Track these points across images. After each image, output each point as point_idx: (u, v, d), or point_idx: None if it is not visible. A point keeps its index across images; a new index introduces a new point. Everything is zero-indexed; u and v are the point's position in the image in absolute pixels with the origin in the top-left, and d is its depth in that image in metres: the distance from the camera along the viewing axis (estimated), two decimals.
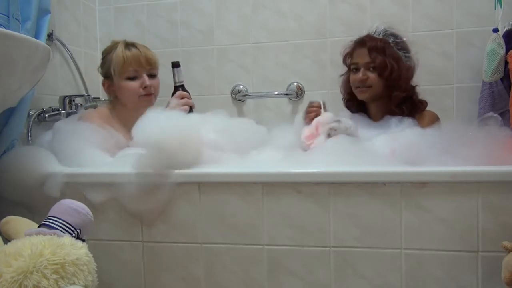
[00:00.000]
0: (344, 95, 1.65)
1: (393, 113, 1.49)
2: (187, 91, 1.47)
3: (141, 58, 1.45)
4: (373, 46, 1.49)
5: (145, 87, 1.45)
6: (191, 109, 1.44)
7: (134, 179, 1.12)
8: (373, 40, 1.51)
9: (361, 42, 1.53)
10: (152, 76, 1.49)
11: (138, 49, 1.46)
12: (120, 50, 1.44)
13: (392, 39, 1.51)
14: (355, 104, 1.62)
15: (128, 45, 1.47)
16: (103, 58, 1.51)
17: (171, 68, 1.46)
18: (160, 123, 1.17)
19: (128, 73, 1.44)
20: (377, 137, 1.34)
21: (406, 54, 1.52)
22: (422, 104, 1.55)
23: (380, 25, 1.55)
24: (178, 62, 1.46)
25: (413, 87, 1.54)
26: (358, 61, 1.52)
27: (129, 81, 1.44)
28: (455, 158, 1.10)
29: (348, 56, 1.58)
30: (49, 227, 0.84)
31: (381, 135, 1.35)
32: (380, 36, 1.52)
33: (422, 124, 1.45)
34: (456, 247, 1.02)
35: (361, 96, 1.54)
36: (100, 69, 1.52)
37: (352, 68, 1.55)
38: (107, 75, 1.48)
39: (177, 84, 1.46)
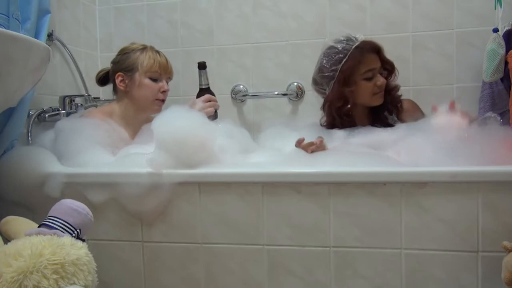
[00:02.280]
0: (333, 114, 1.51)
1: (381, 115, 1.53)
2: (213, 94, 1.51)
3: (167, 66, 1.54)
4: (382, 49, 1.49)
5: (163, 91, 1.52)
6: (216, 112, 1.48)
7: (135, 179, 1.13)
8: (375, 42, 1.50)
9: (372, 47, 1.47)
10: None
11: (165, 57, 1.55)
12: (151, 52, 1.51)
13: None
14: (345, 120, 1.50)
15: (157, 51, 1.55)
16: (125, 53, 1.52)
17: (198, 70, 1.51)
18: (183, 121, 1.19)
19: (154, 74, 1.50)
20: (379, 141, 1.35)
21: None
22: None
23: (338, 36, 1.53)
24: (204, 63, 1.51)
25: None
26: (375, 66, 1.47)
27: (151, 81, 1.50)
28: (457, 157, 1.09)
29: (357, 64, 1.45)
30: (49, 227, 0.84)
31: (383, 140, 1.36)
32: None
33: (410, 112, 1.52)
34: (456, 247, 1.02)
35: (379, 101, 1.49)
36: (117, 61, 1.53)
37: (366, 76, 1.46)
38: (126, 69, 1.49)
39: (203, 87, 1.50)
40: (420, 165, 1.11)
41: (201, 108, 1.43)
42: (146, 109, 1.52)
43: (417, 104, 1.58)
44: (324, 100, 1.55)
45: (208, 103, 1.45)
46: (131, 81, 1.49)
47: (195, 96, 1.50)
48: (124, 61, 1.50)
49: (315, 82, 1.57)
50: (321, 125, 1.60)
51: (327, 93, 1.52)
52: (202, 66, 1.49)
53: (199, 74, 1.50)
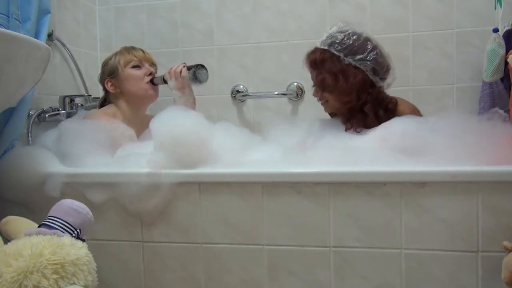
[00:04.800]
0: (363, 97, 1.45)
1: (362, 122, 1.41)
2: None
3: (145, 55, 1.58)
4: (312, 61, 1.40)
5: (150, 73, 1.55)
6: (190, 67, 1.51)
7: (135, 179, 1.13)
8: (312, 54, 1.41)
9: (305, 58, 1.44)
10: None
11: (141, 50, 1.59)
12: (125, 50, 1.56)
13: (334, 47, 1.36)
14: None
15: (132, 47, 1.59)
16: (105, 64, 1.57)
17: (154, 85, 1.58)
18: (181, 120, 1.19)
19: (134, 62, 1.53)
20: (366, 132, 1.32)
21: (356, 58, 1.35)
22: (389, 105, 1.41)
23: (330, 32, 1.40)
24: (152, 79, 1.56)
25: (368, 93, 1.38)
26: (312, 77, 1.46)
27: (134, 69, 1.53)
28: (455, 150, 1.09)
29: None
30: (49, 227, 0.84)
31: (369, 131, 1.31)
32: (325, 46, 1.38)
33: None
34: (456, 247, 1.02)
35: (325, 110, 1.49)
36: (101, 74, 1.57)
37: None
38: (110, 74, 1.54)
39: (163, 77, 1.54)
40: (416, 156, 1.10)
41: (175, 84, 1.49)
42: (143, 99, 1.55)
43: (416, 109, 1.46)
44: (359, 80, 1.37)
45: (173, 72, 1.49)
46: (118, 81, 1.53)
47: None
48: (106, 69, 1.56)
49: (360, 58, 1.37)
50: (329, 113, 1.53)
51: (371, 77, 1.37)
52: (151, 81, 1.55)
53: (158, 83, 1.57)
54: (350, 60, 1.36)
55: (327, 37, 1.39)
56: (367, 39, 1.38)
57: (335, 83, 1.37)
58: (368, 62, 1.36)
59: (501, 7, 1.56)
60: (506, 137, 1.08)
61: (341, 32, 1.38)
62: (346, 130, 1.41)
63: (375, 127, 1.31)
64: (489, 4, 1.67)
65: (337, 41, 1.37)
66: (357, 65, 1.35)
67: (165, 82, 1.53)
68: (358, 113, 1.40)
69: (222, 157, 1.22)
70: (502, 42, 1.52)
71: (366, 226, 1.05)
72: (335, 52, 1.36)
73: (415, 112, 1.45)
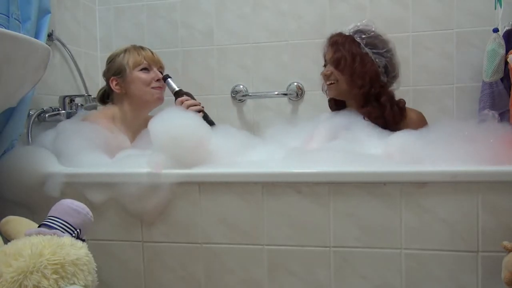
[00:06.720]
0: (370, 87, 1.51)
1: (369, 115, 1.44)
2: (188, 93, 1.51)
3: (154, 57, 1.55)
4: (334, 41, 1.48)
5: (157, 79, 1.53)
6: (207, 117, 1.46)
7: (135, 179, 1.13)
8: (335, 36, 1.50)
9: (328, 39, 1.52)
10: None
11: (150, 50, 1.56)
12: (134, 49, 1.53)
13: (359, 35, 1.46)
14: (333, 102, 1.60)
15: (140, 46, 1.56)
16: (111, 60, 1.54)
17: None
18: (179, 120, 1.20)
19: (143, 65, 1.51)
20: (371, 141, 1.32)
21: (374, 51, 1.45)
22: (399, 106, 1.47)
23: (358, 24, 1.50)
24: (166, 74, 1.55)
25: (381, 86, 1.45)
26: (326, 57, 1.52)
27: (142, 72, 1.51)
28: (454, 155, 1.09)
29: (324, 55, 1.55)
30: (49, 227, 0.84)
31: (374, 140, 1.32)
32: (349, 33, 1.48)
33: (414, 124, 1.44)
34: (456, 247, 1.02)
35: (329, 93, 1.52)
36: (106, 70, 1.55)
37: (324, 65, 1.54)
38: (116, 73, 1.51)
39: (175, 91, 1.51)
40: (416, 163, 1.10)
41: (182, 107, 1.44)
42: (147, 102, 1.53)
43: (425, 121, 1.49)
44: (371, 72, 1.44)
45: (184, 105, 1.45)
46: (124, 81, 1.51)
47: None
48: (113, 66, 1.53)
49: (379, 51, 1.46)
50: (326, 90, 1.56)
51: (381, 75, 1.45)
52: (165, 77, 1.54)
53: (167, 84, 1.54)
54: (369, 50, 1.45)
55: (354, 26, 1.49)
56: (389, 41, 1.50)
57: (351, 63, 1.44)
58: (383, 58, 1.46)
59: (501, 7, 1.56)
60: (503, 137, 1.08)
61: (368, 26, 1.49)
62: (364, 118, 1.44)
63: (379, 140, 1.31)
64: (489, 4, 1.67)
65: (362, 31, 1.47)
66: (373, 57, 1.45)
67: (174, 95, 1.50)
68: (373, 101, 1.46)
69: (221, 157, 1.22)
70: (502, 42, 1.52)
71: (366, 226, 1.05)
72: (357, 39, 1.46)
73: (420, 116, 1.50)
